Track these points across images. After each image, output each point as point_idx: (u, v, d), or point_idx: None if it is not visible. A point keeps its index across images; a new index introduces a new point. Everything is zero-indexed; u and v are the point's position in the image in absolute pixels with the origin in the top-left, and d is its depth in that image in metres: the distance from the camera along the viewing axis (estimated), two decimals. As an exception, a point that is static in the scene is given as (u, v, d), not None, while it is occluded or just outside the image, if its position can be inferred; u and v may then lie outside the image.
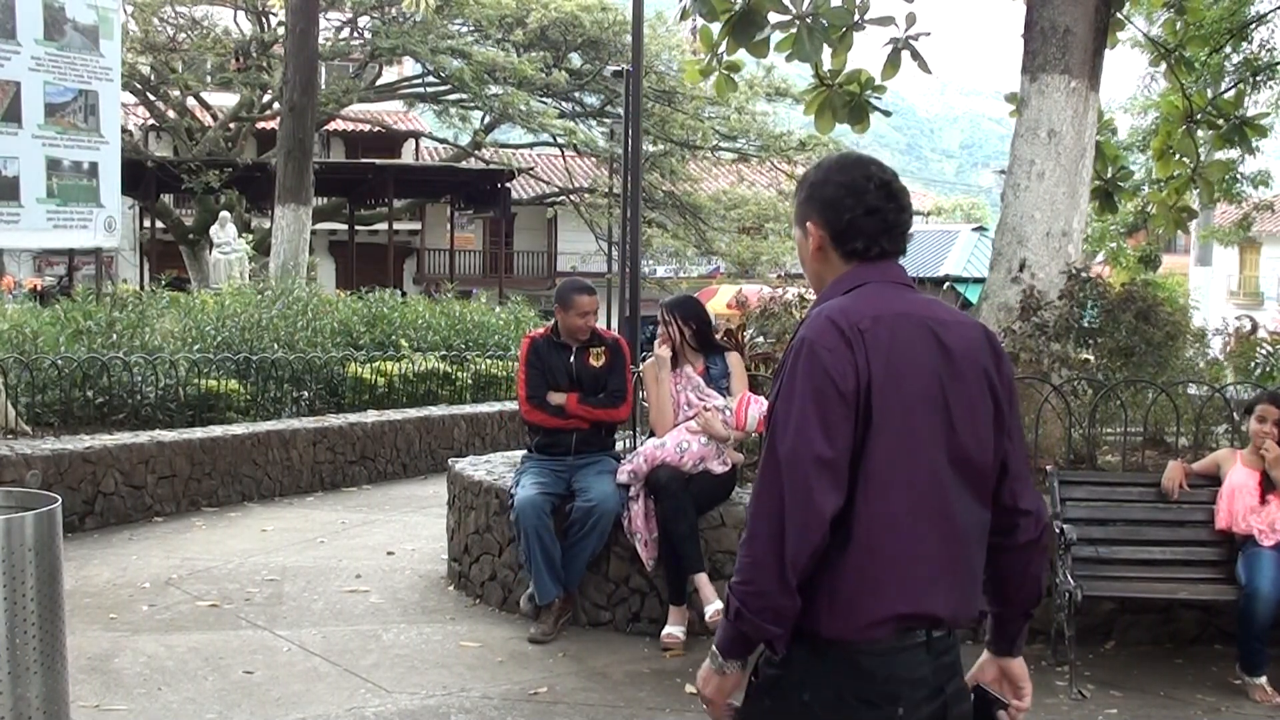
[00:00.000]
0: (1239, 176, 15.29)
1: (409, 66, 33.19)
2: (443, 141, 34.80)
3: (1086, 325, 7.33)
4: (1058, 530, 5.34)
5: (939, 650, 2.22)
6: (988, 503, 2.29)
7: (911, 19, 8.14)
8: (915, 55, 8.18)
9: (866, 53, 7.42)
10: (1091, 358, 7.31)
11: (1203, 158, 10.23)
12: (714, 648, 2.26)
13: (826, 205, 2.33)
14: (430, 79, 31.02)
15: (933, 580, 2.19)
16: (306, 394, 11.25)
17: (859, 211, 2.30)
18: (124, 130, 21.61)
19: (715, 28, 8.48)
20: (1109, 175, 9.36)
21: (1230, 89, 11.63)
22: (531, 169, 34.75)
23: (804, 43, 7.95)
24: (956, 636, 2.28)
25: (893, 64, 8.23)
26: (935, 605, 2.19)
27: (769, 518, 2.13)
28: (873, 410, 2.15)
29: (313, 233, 17.81)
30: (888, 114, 9.02)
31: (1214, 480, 5.61)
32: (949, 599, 2.21)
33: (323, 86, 25.85)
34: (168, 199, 30.13)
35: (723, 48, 8.59)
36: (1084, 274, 7.53)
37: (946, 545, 2.21)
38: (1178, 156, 10.09)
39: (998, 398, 2.29)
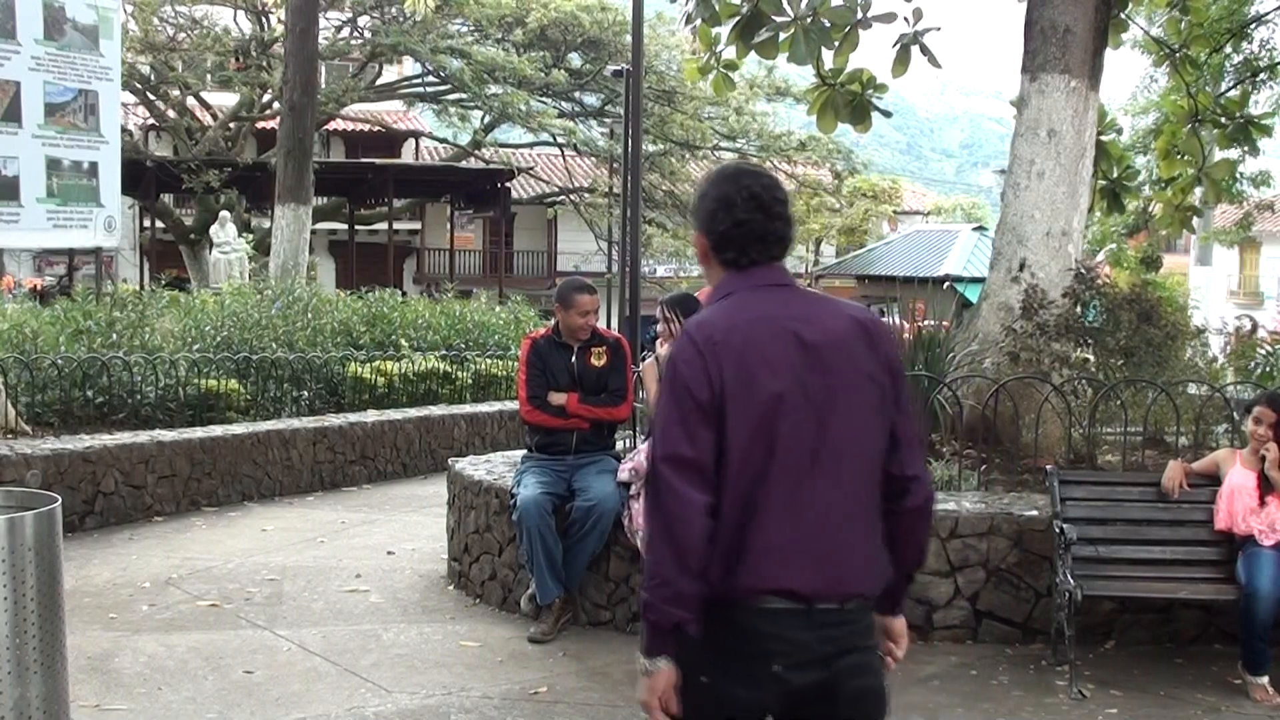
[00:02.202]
0: (1239, 177, 15.29)
1: (409, 66, 33.18)
2: (443, 141, 34.79)
3: (1088, 325, 7.33)
4: (1058, 530, 5.34)
5: (824, 623, 2.42)
6: (867, 481, 2.49)
7: (919, 14, 8.13)
8: (925, 50, 8.16)
9: (871, 51, 7.43)
10: (1091, 357, 7.31)
11: (1207, 157, 10.23)
12: (638, 653, 2.47)
13: (705, 217, 2.57)
14: (430, 79, 31.02)
15: (795, 557, 2.41)
16: (306, 394, 11.25)
17: (729, 224, 2.52)
18: (124, 130, 21.61)
19: (715, 28, 8.49)
20: (1115, 175, 9.35)
21: (1233, 88, 11.62)
22: (531, 169, 34.74)
23: (800, 45, 7.95)
24: (855, 612, 2.46)
25: (902, 61, 8.22)
26: (796, 582, 2.40)
27: (659, 521, 2.41)
28: (726, 412, 2.40)
29: (313, 232, 17.81)
30: (888, 114, 9.02)
31: (1214, 480, 5.60)
32: (809, 576, 2.41)
33: (323, 86, 25.85)
34: (168, 199, 30.13)
35: (721, 46, 8.60)
36: (1091, 273, 7.53)
37: (811, 524, 2.42)
38: (1182, 156, 10.08)
39: (876, 380, 2.49)
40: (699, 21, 8.57)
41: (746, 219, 2.52)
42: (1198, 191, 10.35)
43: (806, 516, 2.42)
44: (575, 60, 30.95)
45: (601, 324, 6.34)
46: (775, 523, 2.41)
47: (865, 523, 2.50)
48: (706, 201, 2.57)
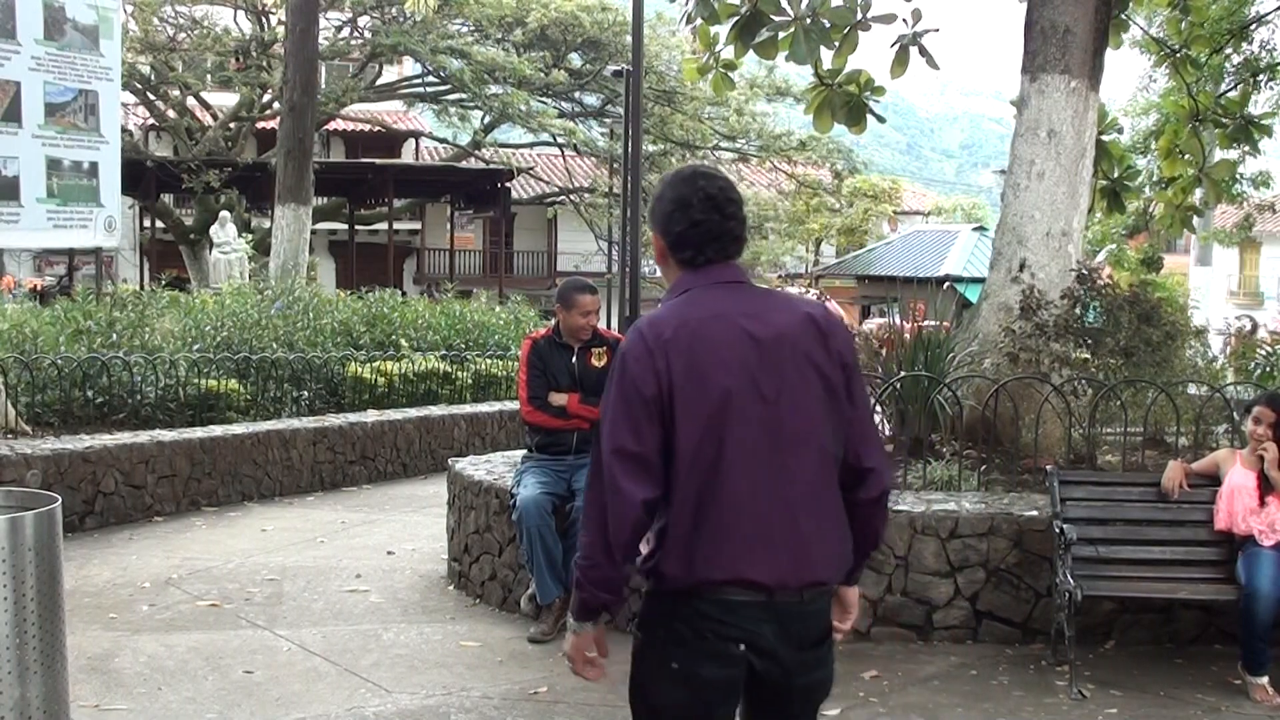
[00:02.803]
0: (1240, 177, 15.28)
1: (409, 66, 33.18)
2: (443, 141, 34.79)
3: (1087, 325, 7.33)
4: (1058, 530, 5.34)
5: (784, 613, 2.51)
6: (825, 469, 2.57)
7: (917, 15, 8.13)
8: (923, 52, 8.17)
9: (871, 52, 7.42)
10: (1089, 356, 7.31)
11: (1208, 157, 10.23)
12: (568, 614, 2.67)
13: (662, 218, 2.67)
14: (430, 79, 31.02)
15: (750, 549, 2.48)
16: (306, 394, 11.25)
17: (685, 224, 2.62)
18: (124, 130, 21.60)
19: (715, 27, 8.48)
20: (1115, 175, 9.35)
21: (1233, 88, 11.62)
22: (531, 169, 34.73)
23: (800, 45, 7.95)
24: (814, 601, 2.55)
25: (901, 62, 8.22)
26: (754, 572, 2.48)
27: (595, 505, 2.52)
28: (675, 407, 2.48)
29: (313, 232, 17.81)
30: (882, 119, 9.02)
31: (1214, 480, 5.60)
32: (770, 566, 2.49)
33: (323, 86, 25.85)
34: (168, 199, 30.11)
35: (720, 46, 8.60)
36: (1094, 274, 7.53)
37: (766, 516, 2.50)
38: (1184, 156, 10.08)
39: (825, 373, 2.57)
40: (699, 21, 8.56)
41: (703, 219, 2.61)
42: (1198, 192, 10.35)
43: (763, 508, 2.50)
44: (575, 60, 30.94)
45: (602, 324, 6.33)
46: (732, 515, 2.48)
47: (822, 511, 2.57)
48: (664, 203, 2.67)
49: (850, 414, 2.61)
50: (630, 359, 2.53)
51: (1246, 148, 10.48)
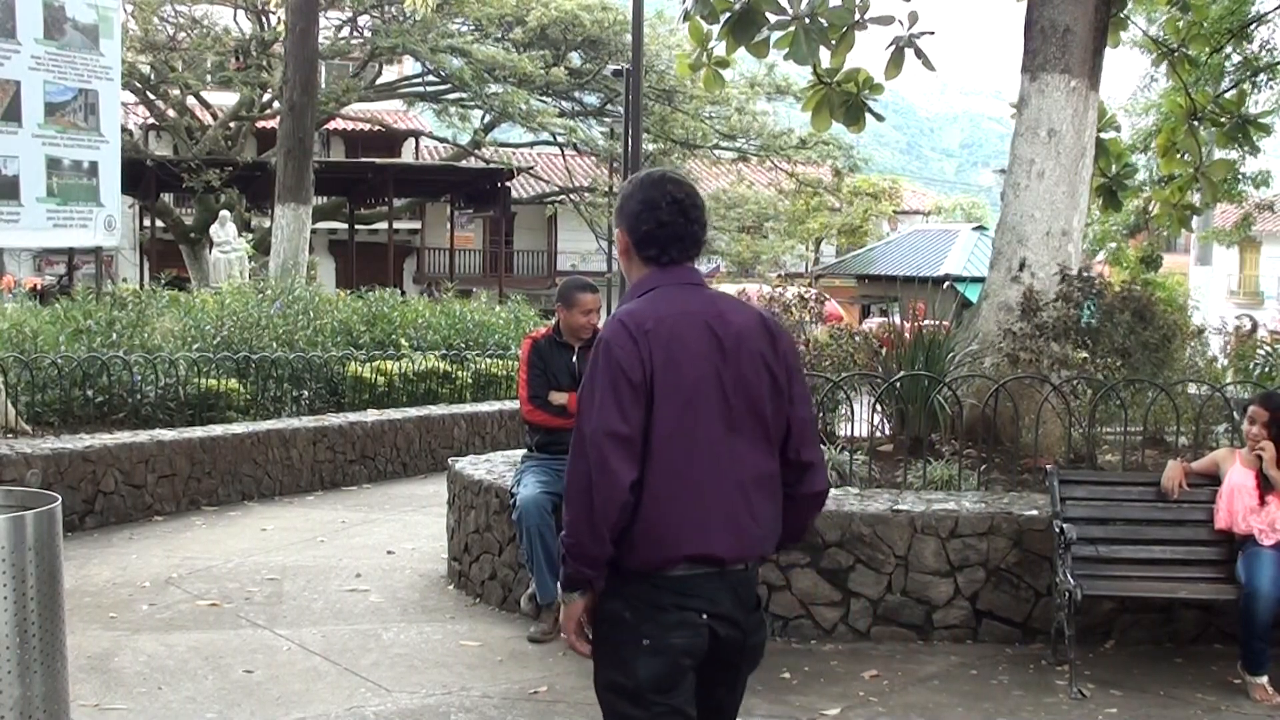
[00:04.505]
0: (1239, 176, 15.28)
1: (409, 66, 33.17)
2: (442, 141, 34.77)
3: (1084, 325, 7.33)
4: (1058, 530, 5.34)
5: (735, 583, 2.76)
6: (770, 457, 2.81)
7: (914, 17, 8.13)
8: (919, 54, 8.17)
9: (869, 52, 7.42)
10: (1086, 355, 7.32)
11: (1206, 156, 10.22)
12: (559, 584, 2.94)
13: (630, 217, 2.86)
14: (430, 78, 31.01)
15: (713, 526, 2.71)
16: (306, 393, 11.24)
17: (653, 224, 2.82)
18: (124, 129, 21.61)
19: (709, 25, 8.47)
20: (1113, 173, 9.35)
21: (1232, 88, 11.62)
22: (531, 168, 34.72)
23: (800, 44, 7.94)
24: (754, 571, 2.83)
25: (896, 63, 8.23)
26: (716, 547, 2.71)
27: (579, 484, 2.67)
28: (655, 393, 2.68)
29: (313, 232, 17.80)
30: (880, 118, 9.01)
31: (1214, 480, 5.60)
32: (729, 541, 2.73)
33: (323, 86, 25.83)
34: (168, 198, 30.11)
35: (712, 42, 8.59)
36: (1084, 273, 7.52)
37: (725, 497, 2.73)
38: (1182, 155, 10.08)
39: (773, 371, 2.81)
40: (697, 17, 8.55)
41: (669, 221, 2.82)
42: (1197, 192, 10.34)
43: (723, 488, 2.73)
44: (575, 59, 30.93)
45: (602, 323, 6.33)
46: (697, 494, 2.70)
47: (768, 493, 2.82)
48: (632, 204, 2.86)
49: (791, 412, 2.84)
50: (616, 346, 2.69)
51: (1245, 148, 10.47)
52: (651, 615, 2.71)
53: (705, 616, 2.72)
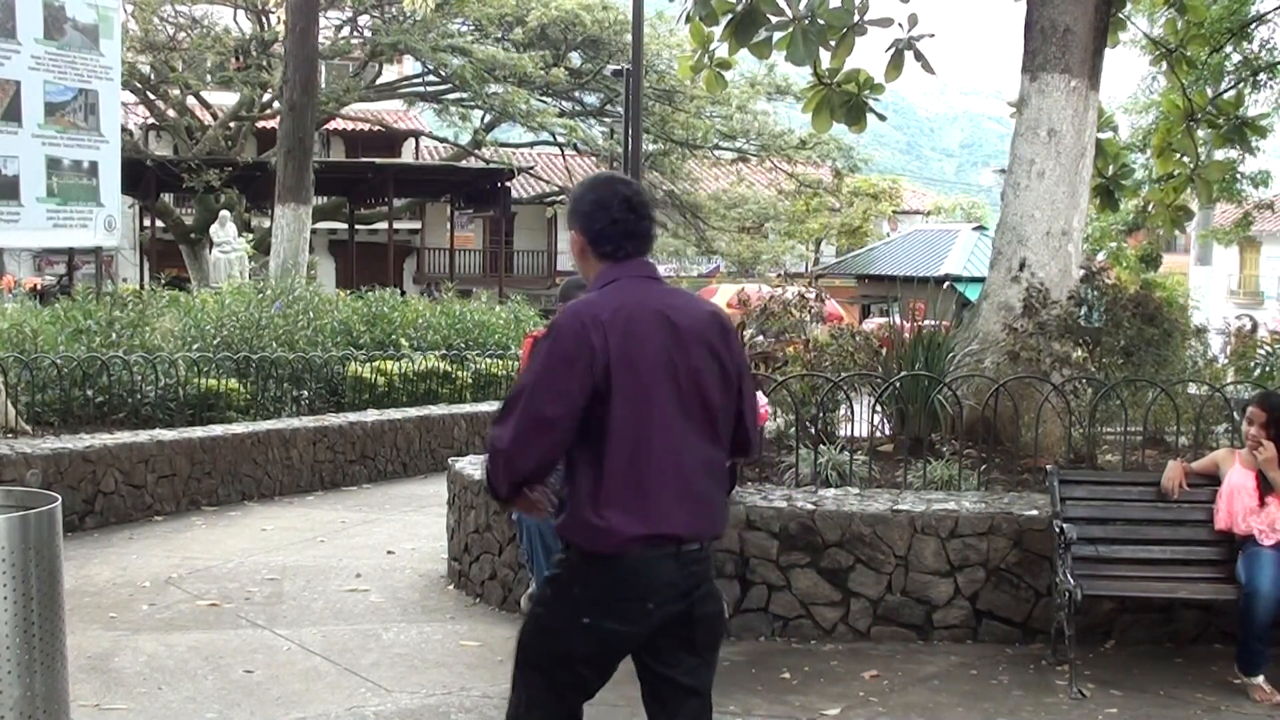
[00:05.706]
0: (1239, 176, 15.28)
1: (409, 65, 33.16)
2: (443, 140, 34.75)
3: (1088, 325, 7.33)
4: (1058, 530, 5.34)
5: (688, 561, 2.88)
6: (719, 441, 2.97)
7: (914, 20, 8.13)
8: (919, 56, 8.17)
9: (868, 52, 7.42)
10: (1085, 354, 7.31)
11: (1203, 157, 10.22)
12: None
13: (583, 217, 3.01)
14: (430, 78, 31.00)
15: (670, 507, 2.83)
16: (306, 393, 11.25)
17: (606, 222, 2.97)
18: (124, 129, 21.59)
19: (710, 26, 8.48)
20: (1110, 173, 9.35)
21: (1230, 89, 11.62)
22: (531, 168, 34.71)
23: (799, 45, 7.95)
24: (707, 550, 2.94)
25: (896, 65, 8.23)
26: (674, 527, 2.84)
27: (502, 444, 2.81)
28: (611, 379, 2.78)
29: (313, 232, 17.79)
30: (883, 118, 9.02)
31: (1214, 480, 5.60)
32: (686, 521, 2.86)
33: (323, 85, 25.81)
34: (168, 198, 30.10)
35: (714, 44, 8.59)
36: (1100, 274, 7.53)
37: (680, 478, 2.86)
38: (1178, 155, 10.08)
39: (723, 363, 2.96)
40: (697, 19, 8.56)
41: (621, 218, 2.97)
42: (1193, 191, 10.34)
43: (681, 471, 2.87)
44: (575, 59, 30.92)
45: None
46: (657, 478, 2.83)
47: (719, 476, 3.00)
48: (584, 204, 3.01)
49: (741, 404, 3.02)
50: (564, 333, 2.84)
51: (1241, 149, 10.48)
52: (596, 599, 2.83)
53: (652, 606, 2.84)
